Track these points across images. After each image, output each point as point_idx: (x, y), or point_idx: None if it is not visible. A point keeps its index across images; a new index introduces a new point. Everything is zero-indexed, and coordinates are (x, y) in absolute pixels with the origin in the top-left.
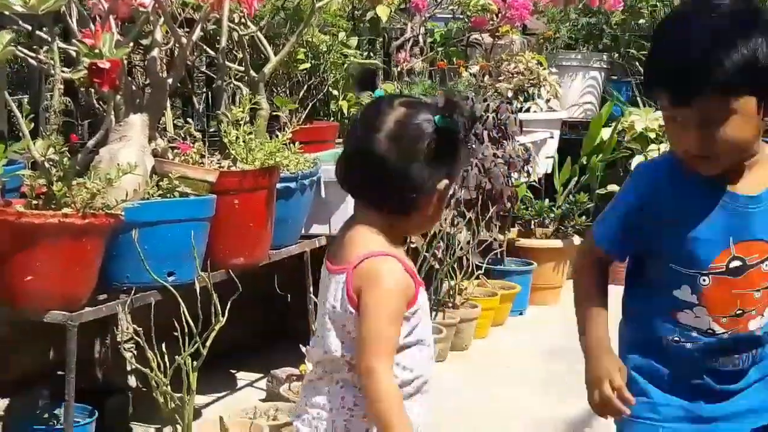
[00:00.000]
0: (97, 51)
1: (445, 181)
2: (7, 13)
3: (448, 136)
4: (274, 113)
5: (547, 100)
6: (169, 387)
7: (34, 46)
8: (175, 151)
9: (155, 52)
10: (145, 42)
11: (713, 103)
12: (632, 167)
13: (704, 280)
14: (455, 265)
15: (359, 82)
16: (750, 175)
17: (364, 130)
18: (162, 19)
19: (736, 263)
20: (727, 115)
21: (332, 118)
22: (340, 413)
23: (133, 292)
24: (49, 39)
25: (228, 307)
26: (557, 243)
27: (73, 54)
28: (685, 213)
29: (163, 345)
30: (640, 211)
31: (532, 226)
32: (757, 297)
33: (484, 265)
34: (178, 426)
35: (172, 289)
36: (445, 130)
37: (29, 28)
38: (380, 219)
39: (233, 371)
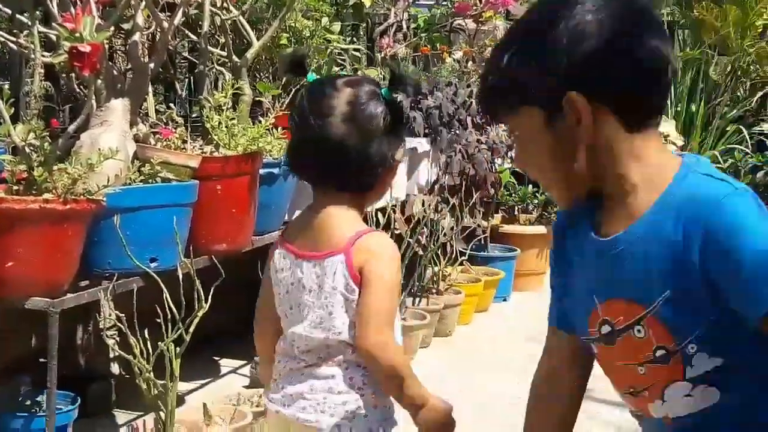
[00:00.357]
0: (77, 35)
1: (402, 149)
2: None
3: (397, 107)
4: (257, 99)
5: None
6: (152, 374)
7: (15, 31)
8: (157, 136)
9: (136, 37)
10: (126, 26)
11: (505, 121)
12: None
13: (594, 349)
14: (439, 252)
15: (290, 68)
16: (617, 211)
17: (316, 117)
18: (143, 3)
19: (606, 328)
20: (516, 133)
21: None
22: (351, 393)
23: (115, 278)
24: (29, 23)
25: (211, 293)
26: (541, 229)
27: (54, 38)
28: (567, 267)
29: (146, 331)
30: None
31: (516, 212)
32: (642, 373)
33: (468, 252)
34: (161, 413)
35: (154, 275)
36: (393, 101)
37: (9, 12)
38: (346, 198)
39: (216, 358)
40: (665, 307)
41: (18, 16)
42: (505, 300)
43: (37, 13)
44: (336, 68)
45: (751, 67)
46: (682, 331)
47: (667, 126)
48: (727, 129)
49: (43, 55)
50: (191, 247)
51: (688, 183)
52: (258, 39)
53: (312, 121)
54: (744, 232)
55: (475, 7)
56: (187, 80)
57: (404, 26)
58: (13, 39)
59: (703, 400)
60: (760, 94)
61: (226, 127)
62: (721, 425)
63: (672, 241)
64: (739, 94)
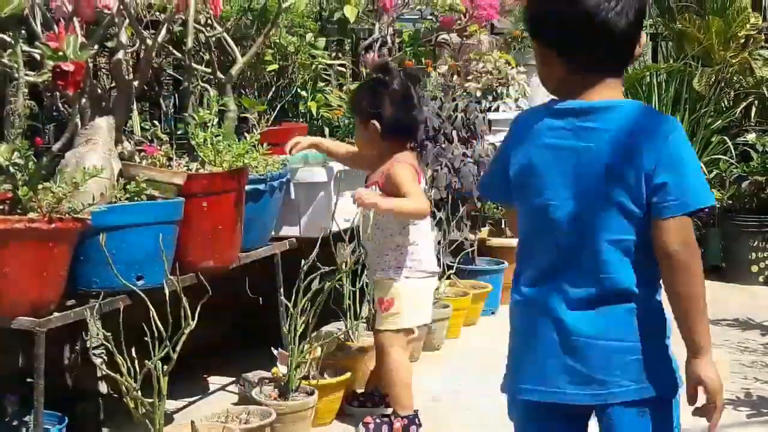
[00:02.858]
0: (61, 53)
1: None
2: None
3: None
4: (243, 115)
5: (516, 99)
6: (139, 392)
7: None
8: (142, 154)
9: (120, 55)
10: (110, 44)
11: None
12: None
13: None
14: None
15: (377, 70)
16: None
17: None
18: (127, 21)
19: None
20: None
21: (301, 119)
22: None
23: (101, 296)
24: (12, 42)
25: (198, 310)
26: None
27: (38, 57)
28: None
29: (133, 350)
30: None
31: (503, 225)
32: None
33: (456, 265)
34: (149, 431)
35: (141, 293)
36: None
37: None
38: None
39: (204, 375)
40: None
41: (1, 35)
42: (493, 313)
43: (20, 31)
44: (321, 83)
45: (735, 77)
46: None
47: None
48: (712, 140)
49: (26, 74)
50: (177, 265)
51: None
52: (243, 55)
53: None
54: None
55: (459, 22)
56: (172, 97)
57: (389, 41)
58: None
59: None
60: (743, 104)
61: (211, 143)
62: None
63: None
64: (723, 104)
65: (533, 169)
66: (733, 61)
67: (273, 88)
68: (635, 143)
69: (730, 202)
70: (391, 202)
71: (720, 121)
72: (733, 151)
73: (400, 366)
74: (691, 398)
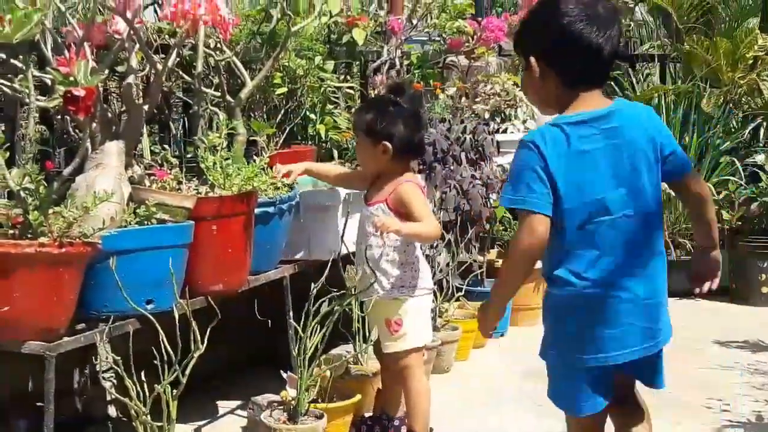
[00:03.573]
0: (71, 79)
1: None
2: None
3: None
4: (252, 138)
5: (524, 121)
6: (149, 416)
7: (9, 75)
8: (152, 177)
9: (131, 79)
10: (120, 69)
11: None
12: None
13: None
14: (435, 288)
15: (390, 90)
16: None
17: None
18: (137, 45)
19: None
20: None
21: (310, 142)
22: None
23: (111, 320)
24: (24, 67)
25: (207, 334)
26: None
27: (48, 82)
28: None
29: (143, 373)
30: None
31: None
32: None
33: (464, 287)
34: None
35: (150, 317)
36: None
37: (3, 56)
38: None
39: (214, 399)
40: None
41: (12, 60)
42: (502, 335)
43: (32, 56)
44: (329, 106)
45: (743, 99)
46: None
47: None
48: (721, 161)
49: (37, 99)
50: (187, 288)
51: None
52: (252, 78)
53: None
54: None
55: (467, 44)
56: (181, 120)
57: (397, 63)
58: (8, 84)
59: None
60: (752, 125)
61: (220, 167)
62: None
63: None
64: (731, 125)
65: (584, 172)
66: (742, 82)
67: (282, 111)
68: (646, 128)
69: (740, 223)
70: (412, 227)
71: (729, 143)
72: (741, 172)
73: (422, 389)
74: (706, 276)
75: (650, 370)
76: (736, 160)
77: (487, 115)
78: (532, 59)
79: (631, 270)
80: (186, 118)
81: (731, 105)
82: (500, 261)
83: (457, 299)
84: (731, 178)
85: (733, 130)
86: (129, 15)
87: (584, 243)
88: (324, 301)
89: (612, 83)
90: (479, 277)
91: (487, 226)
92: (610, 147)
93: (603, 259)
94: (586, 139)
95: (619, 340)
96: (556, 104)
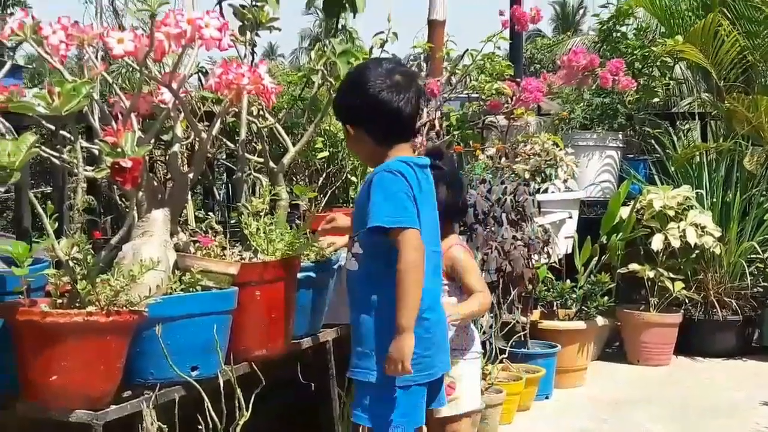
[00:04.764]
0: (119, 150)
1: None
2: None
3: None
4: (294, 202)
5: (565, 181)
6: None
7: (57, 146)
8: (197, 244)
9: (176, 147)
10: (166, 137)
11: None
12: (652, 246)
13: None
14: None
15: (427, 153)
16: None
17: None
18: (182, 114)
19: None
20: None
21: (351, 205)
22: None
23: (157, 388)
24: (72, 138)
25: (252, 400)
26: (580, 324)
27: (96, 152)
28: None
29: None
30: None
31: (555, 308)
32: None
33: (508, 349)
34: None
35: (195, 384)
36: None
37: (52, 128)
38: None
39: None
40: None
41: (61, 131)
42: (546, 398)
43: (80, 127)
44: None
45: None
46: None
47: (704, 218)
48: (765, 218)
49: (85, 170)
50: (231, 354)
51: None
52: (294, 143)
53: None
54: (374, 187)
55: (506, 105)
56: (225, 185)
57: (437, 124)
58: (57, 154)
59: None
60: None
61: (264, 232)
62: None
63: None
64: None
65: (429, 207)
66: None
67: (323, 175)
68: None
69: None
70: (470, 308)
71: None
72: None
73: None
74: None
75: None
76: None
77: (527, 175)
78: (348, 126)
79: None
80: (229, 184)
81: None
82: (543, 322)
83: (501, 361)
84: None
85: None
86: (174, 86)
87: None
88: None
89: (653, 141)
90: (522, 339)
91: (530, 287)
92: (431, 192)
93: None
94: (426, 179)
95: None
96: (373, 159)
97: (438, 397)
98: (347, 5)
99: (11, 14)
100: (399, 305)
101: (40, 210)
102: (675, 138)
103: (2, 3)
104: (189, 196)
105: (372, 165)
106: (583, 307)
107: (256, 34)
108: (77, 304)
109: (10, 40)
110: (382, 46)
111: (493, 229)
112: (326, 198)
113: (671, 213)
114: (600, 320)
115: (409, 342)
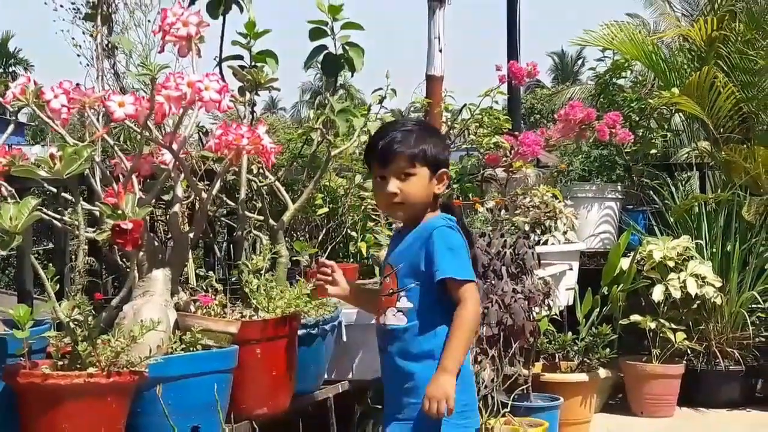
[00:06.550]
0: (120, 212)
1: None
2: None
3: None
4: (294, 258)
5: (564, 232)
6: None
7: (59, 208)
8: (197, 303)
9: (176, 208)
10: (166, 197)
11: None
12: (653, 297)
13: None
14: (480, 404)
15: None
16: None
17: None
18: (182, 174)
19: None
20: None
21: (352, 260)
22: None
23: None
24: (74, 200)
25: None
26: (583, 377)
27: (97, 213)
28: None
29: None
30: None
31: (557, 360)
32: (383, 300)
33: (510, 402)
34: None
35: None
36: None
37: (54, 190)
38: None
39: None
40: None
41: (62, 194)
42: None
43: (81, 189)
44: (370, 223)
45: None
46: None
47: (704, 268)
48: (765, 268)
49: (86, 231)
50: (232, 413)
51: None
52: (294, 201)
53: None
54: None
55: (505, 159)
56: (225, 243)
57: None
58: (58, 217)
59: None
60: None
61: (264, 290)
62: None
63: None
64: None
65: None
66: None
67: (323, 230)
68: None
69: None
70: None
71: None
72: None
73: None
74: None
75: None
76: None
77: (527, 228)
78: (425, 168)
79: None
80: (229, 242)
81: None
82: (546, 374)
83: (503, 415)
84: None
85: None
86: (175, 147)
87: None
88: (369, 421)
89: (651, 192)
90: (524, 392)
91: (531, 340)
92: None
93: None
94: None
95: None
96: (425, 203)
97: None
98: (346, 65)
99: (13, 73)
100: (450, 347)
101: (42, 273)
102: (673, 189)
103: (4, 62)
104: (190, 255)
105: (417, 210)
106: (585, 359)
107: (256, 94)
108: (78, 366)
109: (12, 105)
110: (380, 102)
111: (493, 282)
112: (327, 254)
113: (671, 264)
114: (602, 372)
115: (452, 382)
